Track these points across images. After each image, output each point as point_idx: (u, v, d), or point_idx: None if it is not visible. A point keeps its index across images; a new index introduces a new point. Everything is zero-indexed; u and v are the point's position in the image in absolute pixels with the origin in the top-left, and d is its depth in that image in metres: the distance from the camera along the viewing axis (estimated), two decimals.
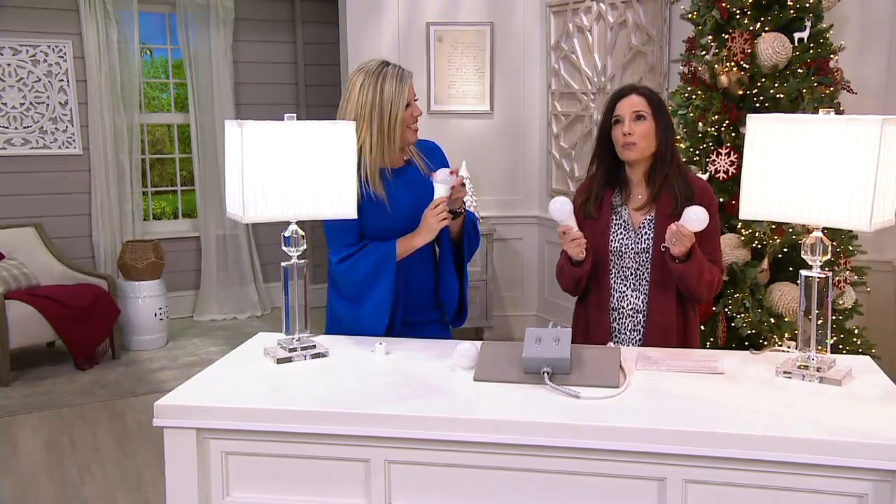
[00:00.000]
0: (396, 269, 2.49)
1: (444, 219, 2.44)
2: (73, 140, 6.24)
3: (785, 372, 2.10)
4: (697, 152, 3.64)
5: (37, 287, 5.45)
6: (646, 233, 2.46)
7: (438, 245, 2.64)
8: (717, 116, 3.58)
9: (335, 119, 2.50)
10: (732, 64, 3.53)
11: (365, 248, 2.52)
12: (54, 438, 4.31)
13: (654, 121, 2.41)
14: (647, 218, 2.47)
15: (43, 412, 4.67)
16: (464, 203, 2.57)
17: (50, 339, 5.39)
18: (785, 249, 3.47)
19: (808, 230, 2.12)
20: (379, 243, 2.51)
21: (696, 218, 2.26)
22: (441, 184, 2.44)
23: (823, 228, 2.06)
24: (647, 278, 2.46)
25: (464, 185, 2.50)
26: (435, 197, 2.45)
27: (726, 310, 3.46)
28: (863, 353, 3.33)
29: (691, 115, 3.68)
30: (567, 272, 2.50)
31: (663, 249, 2.36)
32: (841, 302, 3.56)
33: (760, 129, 2.06)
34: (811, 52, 3.53)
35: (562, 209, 2.41)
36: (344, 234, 2.52)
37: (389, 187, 2.53)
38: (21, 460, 4.04)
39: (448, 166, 2.62)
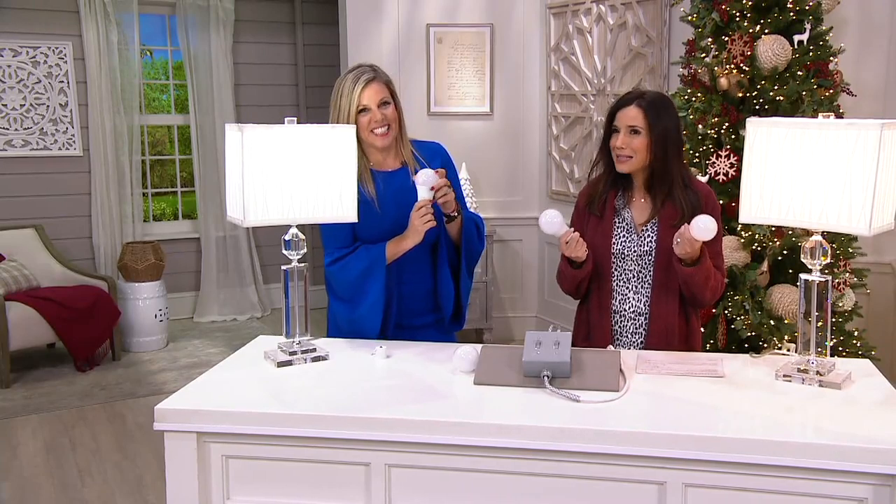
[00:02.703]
0: (388, 271, 2.50)
1: (428, 221, 2.43)
2: (74, 141, 6.24)
3: (785, 376, 2.11)
4: (697, 154, 3.65)
5: (37, 289, 5.45)
6: (648, 235, 2.45)
7: (437, 247, 2.64)
8: (716, 119, 3.58)
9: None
10: (732, 66, 3.53)
11: (356, 250, 2.53)
12: (54, 440, 4.31)
13: (648, 135, 2.39)
14: (651, 222, 2.46)
15: (43, 414, 4.67)
16: (459, 206, 2.56)
17: (50, 340, 5.39)
18: (785, 252, 3.47)
19: (807, 233, 2.12)
20: (370, 246, 2.52)
21: (703, 227, 2.21)
22: (422, 185, 2.43)
23: (823, 232, 2.06)
24: (650, 281, 2.46)
25: (450, 186, 2.47)
26: (418, 198, 2.44)
27: (726, 312, 3.47)
28: (863, 356, 3.34)
29: (691, 117, 3.69)
30: (568, 275, 2.49)
31: (675, 244, 2.33)
32: (841, 304, 3.56)
33: (760, 134, 2.06)
34: (811, 54, 3.53)
35: (552, 222, 2.38)
36: (337, 237, 2.54)
37: (380, 189, 2.54)
38: (21, 462, 4.04)
39: (454, 168, 2.63)
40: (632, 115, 2.40)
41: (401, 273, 2.56)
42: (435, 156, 2.64)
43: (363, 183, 2.51)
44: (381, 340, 2.47)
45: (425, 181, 2.42)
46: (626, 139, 2.39)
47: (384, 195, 2.54)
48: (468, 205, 5.38)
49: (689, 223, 2.25)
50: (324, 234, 2.56)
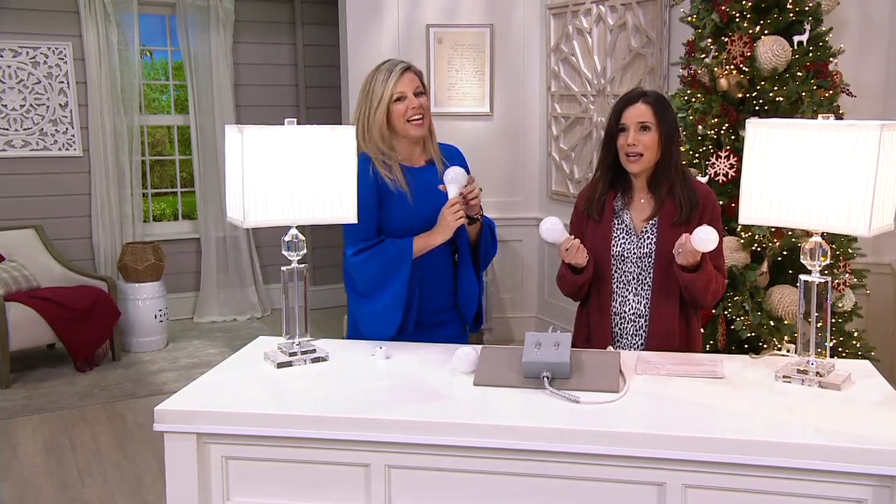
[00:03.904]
0: (412, 267, 2.50)
1: (460, 217, 2.45)
2: (73, 142, 6.24)
3: (784, 376, 2.11)
4: (697, 155, 3.65)
5: (37, 289, 5.45)
6: (648, 237, 2.45)
7: (456, 247, 2.66)
8: (716, 119, 3.58)
9: (339, 120, 2.53)
10: (732, 67, 3.53)
11: (382, 242, 2.54)
12: (54, 441, 4.31)
13: (658, 131, 2.39)
14: (650, 222, 2.46)
15: (43, 414, 4.67)
16: (481, 209, 2.59)
17: (50, 341, 5.39)
18: (784, 252, 3.47)
19: (807, 234, 2.12)
20: (396, 239, 2.52)
21: (705, 239, 2.20)
22: (452, 183, 2.45)
23: (823, 233, 2.06)
24: (650, 283, 2.46)
25: (480, 189, 2.49)
26: (449, 195, 2.46)
27: (726, 313, 3.47)
28: (862, 356, 3.34)
29: (691, 117, 3.69)
30: (569, 280, 2.49)
31: (675, 253, 2.34)
32: (840, 305, 3.56)
33: (760, 134, 2.06)
34: (810, 55, 3.53)
35: (553, 229, 2.37)
36: (360, 229, 2.52)
37: (411, 184, 2.56)
38: (21, 462, 4.04)
39: (467, 170, 2.65)
40: (641, 112, 2.39)
41: (423, 269, 2.57)
42: (454, 158, 2.68)
43: (395, 176, 2.53)
44: (386, 342, 2.48)
45: (455, 178, 2.44)
46: (637, 136, 2.38)
47: (415, 189, 2.56)
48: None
49: (689, 233, 2.25)
50: (346, 225, 2.53)
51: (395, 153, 2.57)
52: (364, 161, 2.51)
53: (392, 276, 2.50)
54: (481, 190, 2.50)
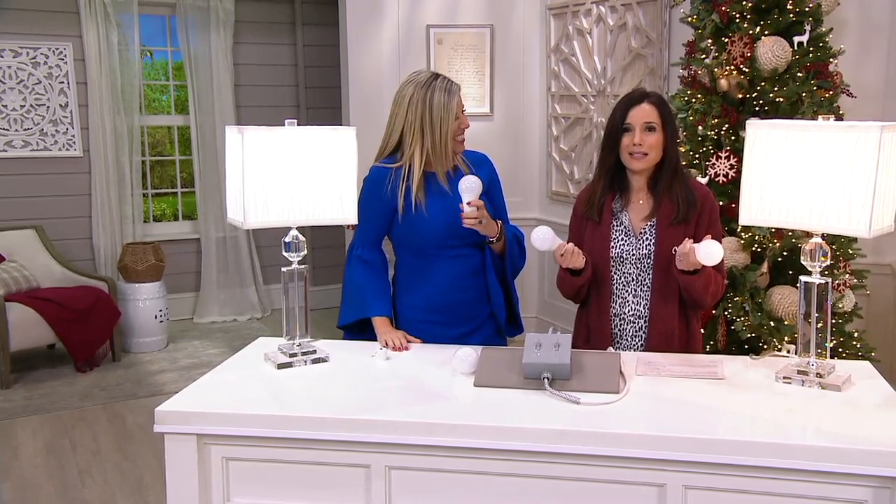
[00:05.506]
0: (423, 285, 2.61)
1: (473, 224, 2.45)
2: (74, 142, 6.24)
3: (785, 377, 2.11)
4: (697, 156, 3.65)
5: (37, 289, 5.45)
6: (647, 238, 2.45)
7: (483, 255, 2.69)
8: (716, 120, 3.58)
9: (339, 120, 2.53)
10: (732, 67, 3.53)
11: (367, 271, 2.61)
12: (54, 441, 4.31)
13: (662, 131, 2.40)
14: (649, 224, 2.46)
15: (43, 415, 4.67)
16: (503, 226, 2.61)
17: (50, 341, 5.39)
18: (784, 253, 3.47)
19: (807, 234, 2.13)
20: (375, 286, 2.60)
21: (709, 253, 2.18)
22: (467, 192, 2.44)
23: (823, 234, 2.07)
24: (649, 284, 2.46)
25: (479, 220, 2.46)
26: (463, 202, 2.45)
27: (726, 313, 3.47)
28: (863, 357, 3.34)
29: (691, 118, 3.69)
30: (568, 282, 2.49)
31: (674, 253, 2.33)
32: (840, 305, 3.56)
33: (760, 136, 2.07)
34: (810, 55, 3.53)
35: (544, 238, 2.34)
36: (363, 229, 2.61)
37: (431, 191, 2.57)
38: (21, 463, 4.04)
39: (498, 180, 2.69)
40: (647, 112, 2.39)
41: (455, 279, 2.60)
42: (481, 165, 2.68)
43: (415, 186, 2.53)
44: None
45: (469, 187, 2.44)
46: (643, 136, 2.38)
47: (433, 196, 2.57)
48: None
49: (691, 239, 2.24)
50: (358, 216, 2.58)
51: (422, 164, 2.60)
52: (381, 179, 2.55)
53: (349, 305, 2.66)
54: (481, 222, 2.46)
